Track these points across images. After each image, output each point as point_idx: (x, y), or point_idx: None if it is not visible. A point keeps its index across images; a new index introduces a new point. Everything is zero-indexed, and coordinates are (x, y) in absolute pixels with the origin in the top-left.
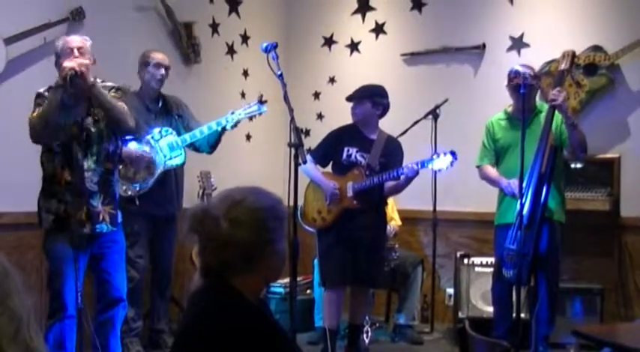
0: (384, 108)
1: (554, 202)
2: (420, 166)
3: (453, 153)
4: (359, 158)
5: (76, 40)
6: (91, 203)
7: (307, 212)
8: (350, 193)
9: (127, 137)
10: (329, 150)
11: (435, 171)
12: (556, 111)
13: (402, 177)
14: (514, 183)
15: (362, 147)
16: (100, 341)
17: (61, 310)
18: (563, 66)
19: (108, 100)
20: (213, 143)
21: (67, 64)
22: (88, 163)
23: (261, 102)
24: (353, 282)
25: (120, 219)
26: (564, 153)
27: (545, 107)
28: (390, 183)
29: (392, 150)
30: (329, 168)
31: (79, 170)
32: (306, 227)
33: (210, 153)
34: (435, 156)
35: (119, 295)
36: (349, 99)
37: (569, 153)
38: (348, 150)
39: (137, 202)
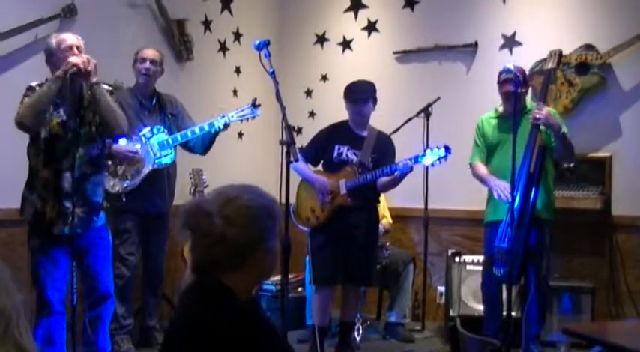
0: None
1: (542, 201)
2: (413, 162)
3: (446, 148)
4: (350, 156)
5: (72, 39)
6: (64, 203)
7: (300, 211)
8: (343, 191)
9: None
10: (320, 149)
11: (427, 167)
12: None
13: (397, 173)
14: (505, 186)
15: (353, 145)
16: (89, 336)
17: (46, 306)
18: (550, 65)
19: (108, 102)
20: (207, 144)
21: (73, 59)
22: (68, 164)
23: (254, 105)
24: (345, 280)
25: (103, 220)
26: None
27: (535, 106)
28: (383, 180)
29: (384, 146)
30: (320, 167)
31: (59, 169)
32: (300, 226)
33: (202, 154)
34: (428, 151)
35: (106, 290)
36: (357, 100)
37: (556, 156)
38: (339, 148)
39: (124, 199)
